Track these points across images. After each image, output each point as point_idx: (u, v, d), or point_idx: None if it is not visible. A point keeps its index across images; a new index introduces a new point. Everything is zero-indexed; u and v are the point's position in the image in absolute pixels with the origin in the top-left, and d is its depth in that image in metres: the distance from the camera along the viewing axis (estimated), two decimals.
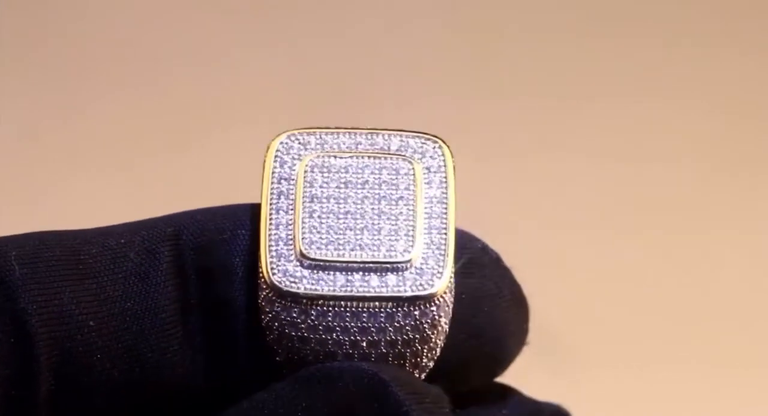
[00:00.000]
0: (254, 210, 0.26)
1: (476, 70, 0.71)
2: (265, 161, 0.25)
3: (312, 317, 0.24)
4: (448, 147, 0.26)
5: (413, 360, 0.25)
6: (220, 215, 0.26)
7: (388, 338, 0.24)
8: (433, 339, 0.25)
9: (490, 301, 0.26)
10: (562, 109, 0.70)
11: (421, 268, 0.24)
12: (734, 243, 0.68)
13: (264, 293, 0.24)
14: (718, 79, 0.71)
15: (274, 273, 0.24)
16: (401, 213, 0.25)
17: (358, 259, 0.24)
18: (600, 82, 0.71)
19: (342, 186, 0.25)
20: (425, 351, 0.25)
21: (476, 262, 0.26)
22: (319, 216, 0.25)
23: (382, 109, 0.69)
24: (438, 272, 0.24)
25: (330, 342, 0.24)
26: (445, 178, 0.25)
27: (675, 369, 0.66)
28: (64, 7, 0.70)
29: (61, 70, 0.70)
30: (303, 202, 0.25)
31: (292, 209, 0.25)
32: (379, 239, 0.25)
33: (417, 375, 0.25)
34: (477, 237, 0.27)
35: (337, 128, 0.26)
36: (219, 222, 0.26)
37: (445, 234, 0.25)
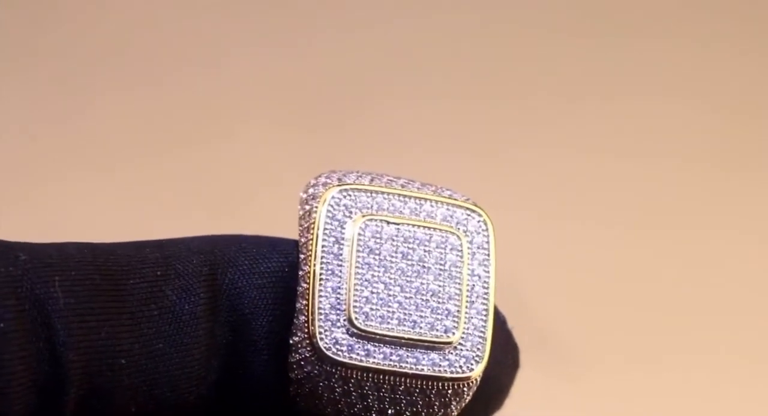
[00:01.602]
0: (291, 253, 0.26)
1: (478, 69, 0.71)
2: (317, 216, 0.25)
3: (350, 384, 0.25)
4: (491, 221, 0.26)
5: None
6: (257, 256, 0.26)
7: (414, 409, 0.25)
8: (455, 412, 0.25)
9: (497, 367, 0.26)
10: (563, 109, 0.70)
11: (461, 350, 0.25)
12: (736, 243, 0.68)
13: (305, 353, 0.25)
14: (720, 78, 0.71)
15: (321, 338, 0.24)
16: (448, 291, 0.25)
17: (405, 336, 0.25)
18: (601, 82, 0.71)
19: (394, 255, 0.25)
20: None
21: None
22: (370, 285, 0.25)
23: (385, 109, 0.69)
24: (478, 356, 0.25)
25: (358, 406, 0.25)
26: (488, 256, 0.26)
27: (675, 369, 0.65)
28: (64, 7, 0.70)
29: (61, 71, 0.69)
30: (356, 268, 0.25)
31: (343, 273, 0.25)
32: (425, 317, 0.25)
33: None
34: None
35: (383, 184, 0.26)
36: (257, 265, 0.26)
37: (486, 317, 0.25)
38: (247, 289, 0.25)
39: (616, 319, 0.66)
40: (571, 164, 0.69)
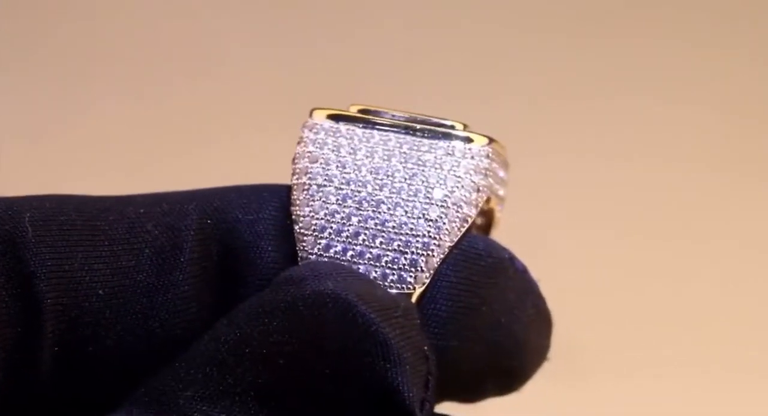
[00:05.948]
0: (281, 191, 0.25)
1: (483, 71, 0.70)
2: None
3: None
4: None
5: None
6: (245, 193, 0.25)
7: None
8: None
9: (510, 314, 0.25)
10: (564, 110, 0.70)
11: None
12: (741, 248, 0.68)
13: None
14: (723, 79, 0.70)
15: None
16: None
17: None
18: (602, 82, 0.70)
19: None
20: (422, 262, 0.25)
21: (501, 272, 0.25)
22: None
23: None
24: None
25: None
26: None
27: (677, 375, 0.65)
28: (64, 7, 0.70)
29: (62, 71, 0.69)
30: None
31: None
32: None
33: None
34: (504, 246, 0.26)
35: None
36: (245, 200, 0.25)
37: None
38: (237, 224, 0.24)
39: (617, 324, 0.66)
40: (575, 168, 0.69)
